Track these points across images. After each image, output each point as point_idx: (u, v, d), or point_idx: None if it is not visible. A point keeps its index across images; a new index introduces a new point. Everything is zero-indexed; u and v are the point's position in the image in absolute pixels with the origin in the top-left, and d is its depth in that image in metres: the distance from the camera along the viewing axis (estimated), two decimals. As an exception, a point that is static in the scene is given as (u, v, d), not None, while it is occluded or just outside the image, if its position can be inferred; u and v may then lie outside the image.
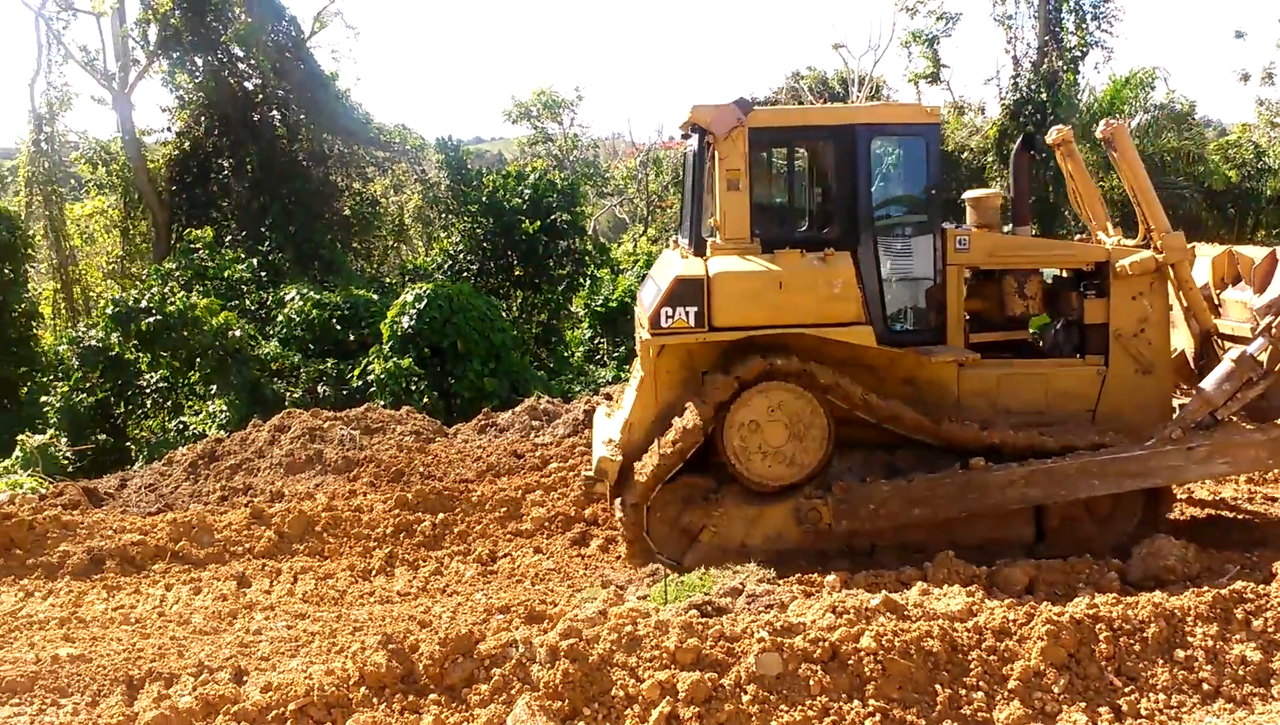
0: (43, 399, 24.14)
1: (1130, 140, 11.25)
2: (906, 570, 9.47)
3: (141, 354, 23.19)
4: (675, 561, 10.51)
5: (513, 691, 7.40)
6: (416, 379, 21.39)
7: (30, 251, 29.07)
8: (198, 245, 26.94)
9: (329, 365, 23.14)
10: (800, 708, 6.98)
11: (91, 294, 34.72)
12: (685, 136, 11.39)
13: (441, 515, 12.76)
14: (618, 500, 10.78)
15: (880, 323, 10.60)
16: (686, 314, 10.19)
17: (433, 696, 7.71)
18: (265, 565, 12.10)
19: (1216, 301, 11.20)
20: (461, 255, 29.67)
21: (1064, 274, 11.41)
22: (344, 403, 20.20)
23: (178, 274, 25.82)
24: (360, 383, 22.13)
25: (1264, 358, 10.11)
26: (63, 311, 34.06)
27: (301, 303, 24.66)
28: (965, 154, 33.53)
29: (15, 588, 11.75)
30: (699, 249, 10.70)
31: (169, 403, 23.63)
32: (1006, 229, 11.82)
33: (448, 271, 29.14)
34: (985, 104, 36.83)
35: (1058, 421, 10.76)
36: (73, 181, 38.15)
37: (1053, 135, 12.00)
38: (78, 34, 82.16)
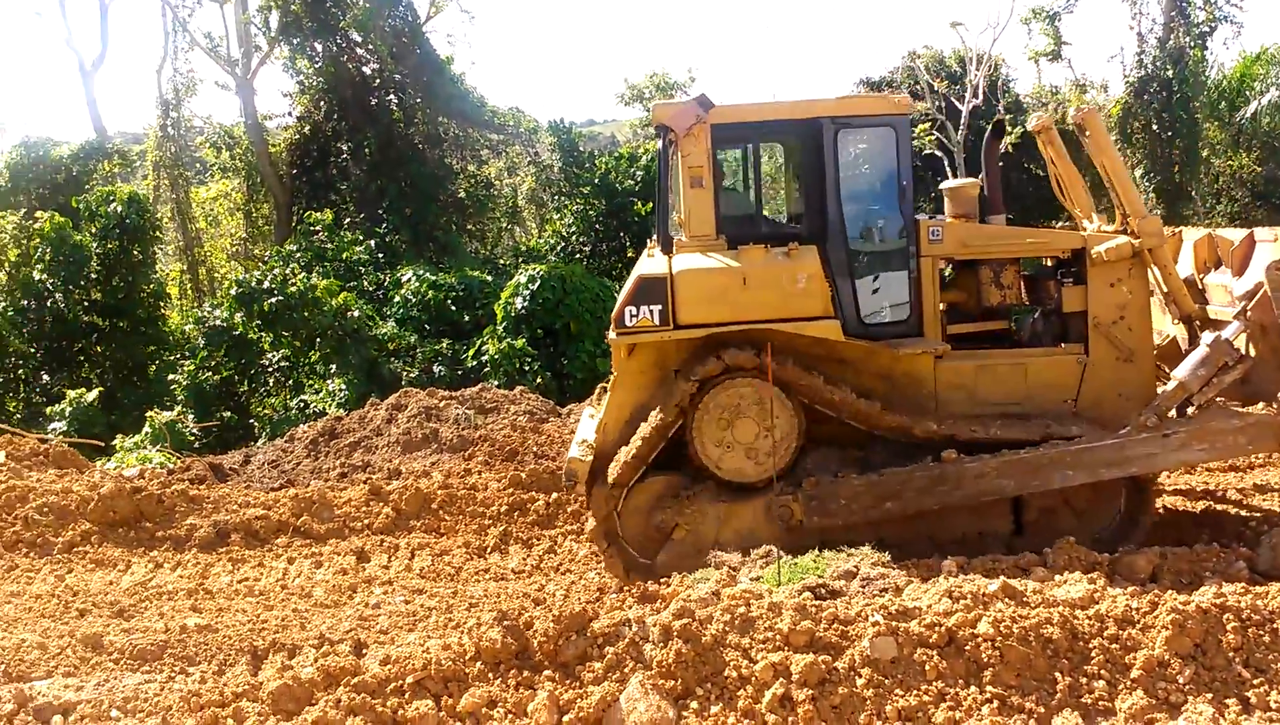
0: (170, 377, 24.79)
1: (1103, 124, 11.07)
2: (1026, 556, 9.28)
3: (264, 334, 23.75)
4: (648, 561, 10.40)
5: (626, 670, 7.41)
6: (530, 359, 21.58)
7: (158, 234, 29.84)
8: (317, 227, 27.46)
9: (444, 345, 23.45)
10: (915, 692, 6.90)
11: (216, 275, 35.61)
12: (656, 134, 11.13)
13: (555, 494, 12.87)
14: (591, 500, 10.64)
15: (852, 317, 10.40)
16: (651, 312, 10.02)
17: (547, 673, 7.76)
18: (383, 541, 12.35)
19: (1200, 287, 10.89)
20: (574, 237, 29.84)
21: (1048, 262, 11.16)
22: (459, 383, 20.45)
23: (298, 255, 26.35)
24: (475, 363, 22.40)
25: (1240, 342, 9.87)
26: (189, 292, 34.98)
27: (417, 284, 25.02)
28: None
29: (145, 559, 12.14)
30: (666, 247, 10.48)
31: (290, 381, 24.14)
32: (996, 218, 11.41)
33: (560, 253, 29.33)
34: (1108, 82, 35.93)
35: (1036, 412, 10.49)
36: (198, 165, 39.17)
37: (1032, 123, 11.69)
38: (202, 21, 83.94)
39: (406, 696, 7.88)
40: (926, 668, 7.03)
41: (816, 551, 9.32)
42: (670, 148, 10.44)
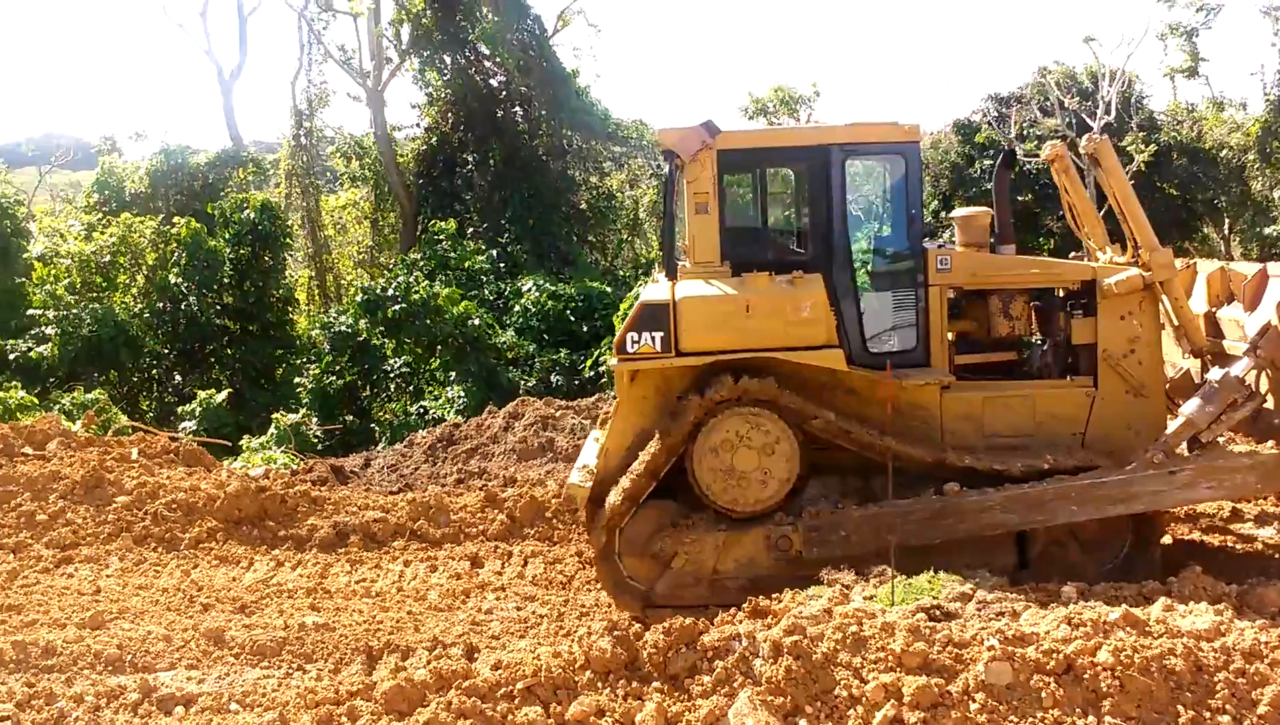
0: (296, 380, 25.38)
1: (1115, 155, 10.69)
2: (1149, 585, 9.02)
3: (387, 340, 24.18)
4: (647, 589, 10.26)
5: (735, 684, 7.37)
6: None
7: (288, 241, 30.56)
8: (441, 236, 27.88)
9: (562, 355, 23.62)
10: (1030, 720, 6.74)
11: (343, 282, 36.36)
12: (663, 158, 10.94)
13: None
14: (591, 526, 10.48)
15: (858, 346, 10.26)
16: (653, 339, 9.84)
17: (655, 684, 7.76)
18: (497, 547, 12.46)
19: (1214, 321, 10.61)
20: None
21: (1059, 293, 10.84)
22: (576, 393, 20.58)
23: (422, 264, 26.78)
24: (592, 374, 22.52)
25: (1249, 379, 9.64)
26: (316, 298, 35.77)
27: (537, 294, 25.27)
28: (1225, 152, 31.86)
29: (268, 557, 12.42)
30: (671, 272, 10.35)
31: (411, 387, 24.52)
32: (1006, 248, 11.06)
33: (680, 266, 29.32)
34: (1247, 100, 34.92)
35: (1044, 445, 10.22)
36: (328, 174, 40.05)
37: (1046, 151, 11.34)
38: (336, 34, 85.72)
39: (516, 702, 7.94)
40: (1043, 695, 6.86)
41: (932, 572, 9.18)
42: (676, 172, 10.32)
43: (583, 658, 8.20)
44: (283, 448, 18.86)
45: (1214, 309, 10.70)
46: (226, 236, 28.00)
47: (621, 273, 31.96)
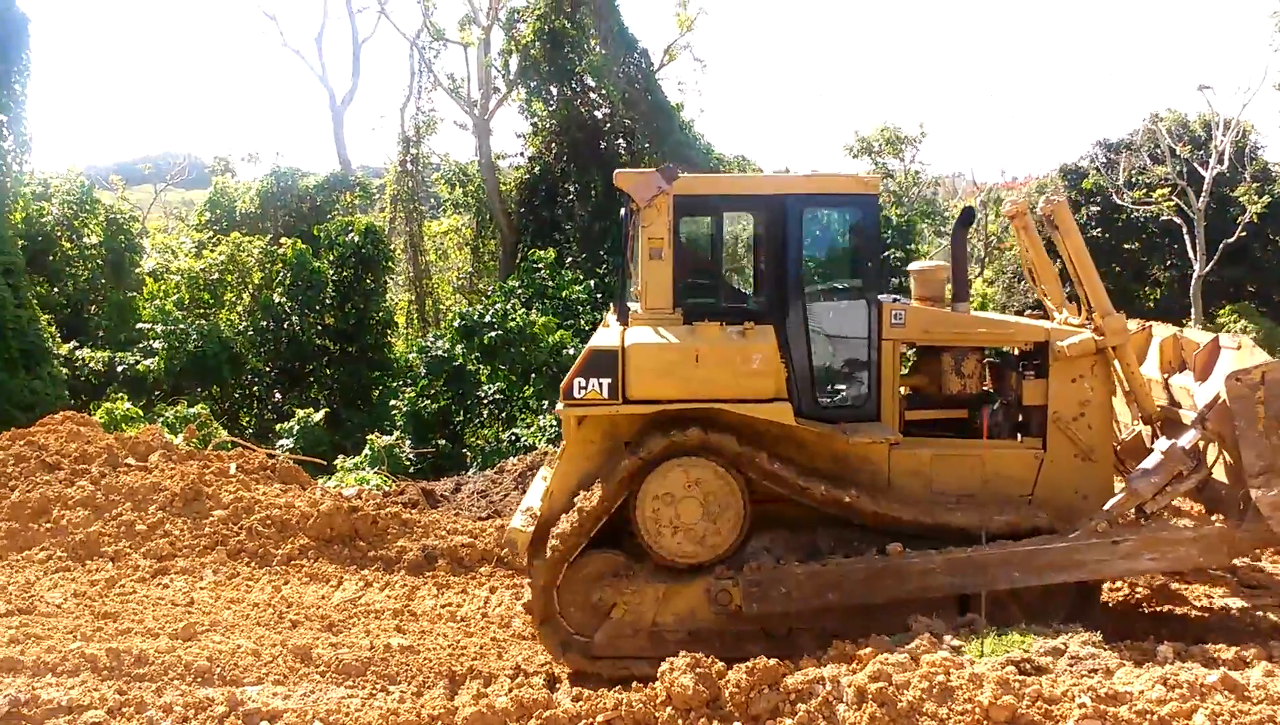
0: (392, 402, 25.65)
1: (1072, 218, 10.62)
2: (1250, 647, 8.75)
3: (482, 366, 24.39)
4: (586, 638, 10.08)
5: (817, 729, 7.29)
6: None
7: (390, 264, 31.04)
8: (540, 265, 28.10)
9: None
10: (1121, 782, 6.58)
11: (441, 307, 36.81)
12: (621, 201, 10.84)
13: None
14: (530, 571, 10.30)
15: (808, 398, 10.15)
16: (600, 386, 9.70)
17: (736, 724, 7.69)
18: (583, 578, 12.45)
19: (1165, 387, 10.54)
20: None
21: (1015, 352, 10.76)
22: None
23: (520, 291, 26.99)
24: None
25: (1196, 451, 9.58)
26: (415, 321, 36.25)
27: (635, 326, 25.27)
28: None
29: (356, 577, 12.56)
30: (623, 317, 10.13)
31: (503, 413, 24.67)
32: (961, 306, 10.92)
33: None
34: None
35: (991, 503, 10.10)
36: (432, 200, 40.63)
37: (1007, 208, 11.12)
38: (446, 63, 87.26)
39: None
40: (1135, 758, 6.68)
41: (1022, 625, 9.00)
42: (633, 216, 10.15)
43: (664, 694, 8.16)
44: (376, 469, 19.10)
45: (1166, 376, 10.63)
46: (331, 258, 28.54)
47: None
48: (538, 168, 34.24)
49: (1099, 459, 10.32)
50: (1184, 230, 29.53)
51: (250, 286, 29.90)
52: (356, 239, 28.39)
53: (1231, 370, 9.30)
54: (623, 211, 10.38)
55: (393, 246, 33.01)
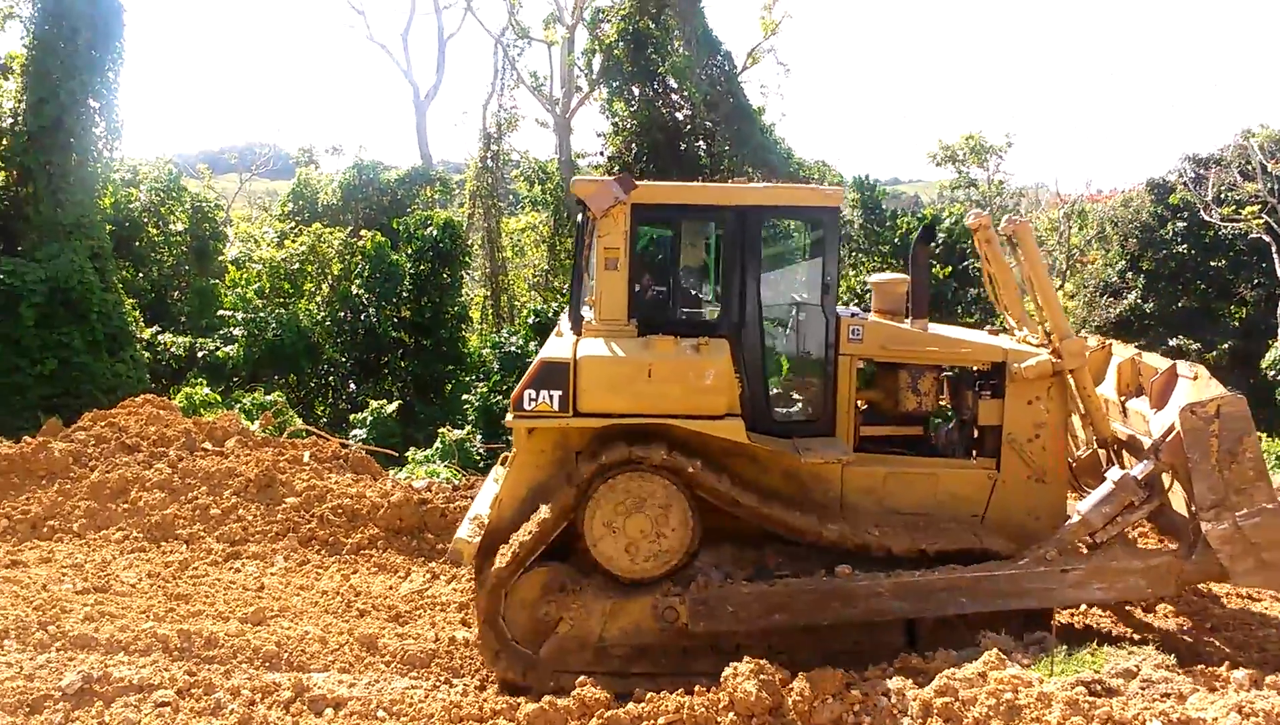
0: (464, 397, 25.79)
1: (1034, 239, 10.45)
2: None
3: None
4: (531, 652, 9.81)
5: (880, 742, 7.22)
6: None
7: (467, 259, 31.23)
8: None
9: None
10: (1192, 812, 6.43)
11: (516, 303, 36.99)
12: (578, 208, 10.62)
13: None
14: (477, 582, 10.08)
15: (763, 413, 9.97)
16: (550, 398, 9.50)
17: (800, 733, 7.64)
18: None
19: (1122, 410, 10.44)
20: (869, 295, 29.47)
21: (976, 370, 10.56)
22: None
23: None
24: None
25: (1148, 482, 9.41)
26: (489, 317, 36.45)
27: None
28: None
29: (424, 569, 12.64)
30: (577, 327, 10.01)
31: (575, 412, 24.65)
32: (920, 323, 10.61)
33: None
34: None
35: (938, 524, 9.95)
36: (511, 197, 40.83)
37: (970, 220, 10.75)
38: (529, 61, 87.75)
39: None
40: (1208, 786, 6.53)
41: (1095, 645, 8.83)
42: (588, 225, 9.99)
43: (727, 699, 8.13)
44: (446, 462, 19.21)
45: (1123, 398, 10.49)
46: (409, 252, 28.77)
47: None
48: (617, 167, 34.27)
49: (1052, 481, 10.20)
50: (1273, 248, 28.89)
51: (329, 277, 30.23)
52: (435, 233, 28.60)
53: (1187, 402, 9.13)
54: (580, 218, 10.26)
55: (470, 242, 33.21)
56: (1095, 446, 10.48)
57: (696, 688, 8.37)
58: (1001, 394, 10.20)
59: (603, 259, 9.79)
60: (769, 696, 7.95)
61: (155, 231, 32.99)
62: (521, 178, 38.58)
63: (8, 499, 13.61)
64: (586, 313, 10.04)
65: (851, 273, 31.58)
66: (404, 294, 28.57)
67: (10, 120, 26.98)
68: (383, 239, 28.81)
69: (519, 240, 38.02)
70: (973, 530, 9.92)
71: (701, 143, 33.70)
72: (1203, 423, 8.88)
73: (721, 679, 8.29)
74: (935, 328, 10.75)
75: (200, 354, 28.04)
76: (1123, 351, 11.04)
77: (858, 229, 31.82)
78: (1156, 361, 10.41)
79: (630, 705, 8.28)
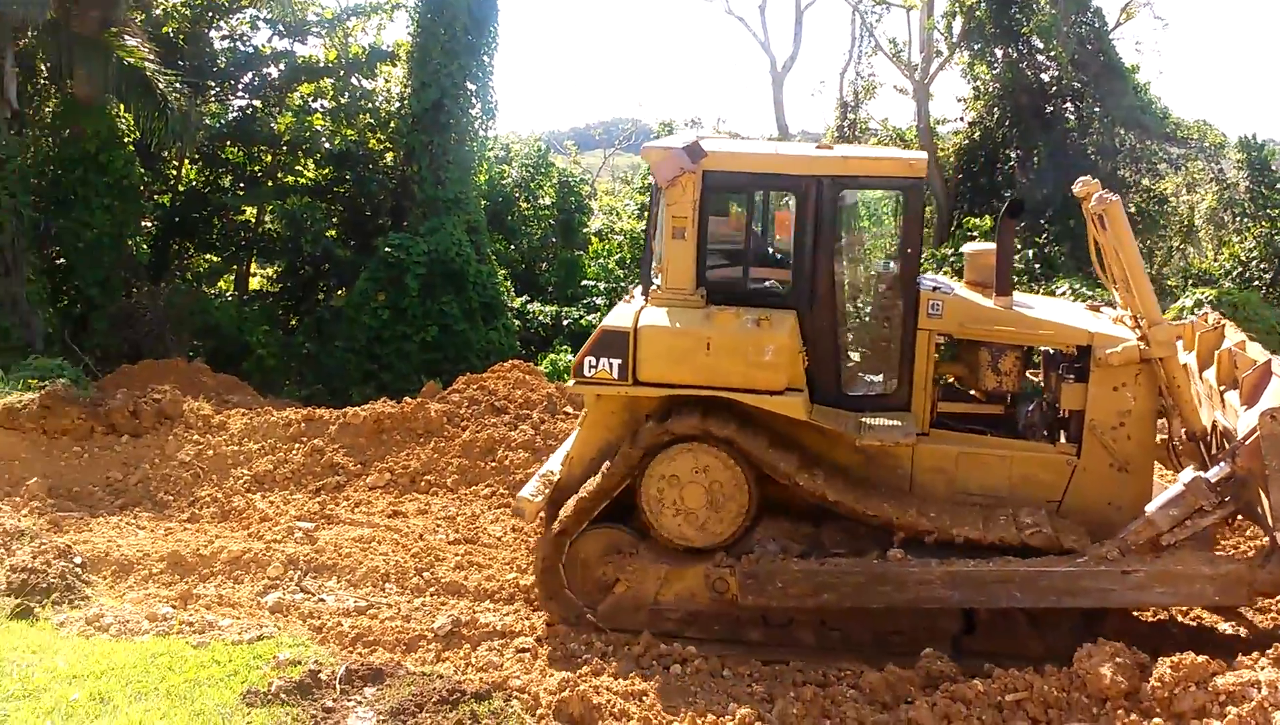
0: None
1: (1124, 217, 9.50)
2: None
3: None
4: (590, 609, 10.07)
5: (1247, 736, 6.78)
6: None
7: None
8: (975, 233, 27.40)
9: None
10: None
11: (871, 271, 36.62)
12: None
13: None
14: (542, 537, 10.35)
15: (833, 387, 9.92)
16: (610, 365, 9.59)
17: (1157, 719, 7.32)
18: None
19: (1221, 400, 9.44)
20: (1254, 262, 27.42)
21: (1061, 352, 10.13)
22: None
23: (952, 259, 26.45)
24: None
25: (1223, 484, 8.82)
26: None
27: (1073, 298, 24.14)
28: None
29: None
30: (647, 294, 10.05)
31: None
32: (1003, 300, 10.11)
33: (1236, 278, 27.11)
34: None
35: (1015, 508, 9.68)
36: (868, 165, 40.39)
37: (1077, 187, 9.62)
38: (888, 27, 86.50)
39: (1003, 714, 7.79)
40: None
41: None
42: (658, 192, 9.70)
43: (1080, 681, 7.89)
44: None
45: (1222, 388, 9.55)
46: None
47: (1169, 282, 29.97)
48: (978, 133, 33.28)
49: (1136, 471, 9.76)
50: None
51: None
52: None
53: (1271, 405, 8.42)
54: (651, 184, 10.06)
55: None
56: (1186, 439, 9.79)
57: (1048, 668, 8.16)
58: (1086, 378, 9.64)
59: (670, 227, 9.77)
60: (1125, 681, 7.68)
61: (525, 206, 34.68)
62: (878, 145, 38.12)
63: (390, 455, 14.71)
64: (656, 281, 10.04)
65: (1235, 240, 29.50)
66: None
67: (398, 104, 29.06)
68: (739, 210, 29.17)
69: (876, 208, 37.61)
70: (1044, 522, 9.49)
71: (1069, 104, 32.19)
72: None
73: (1074, 660, 8.06)
74: (1028, 303, 10.38)
75: (565, 322, 29.30)
76: (1234, 335, 10.07)
77: (1243, 192, 29.62)
78: (1257, 352, 9.46)
79: (976, 681, 8.16)
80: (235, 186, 29.73)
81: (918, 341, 9.98)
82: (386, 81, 30.62)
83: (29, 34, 22.56)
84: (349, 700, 7.31)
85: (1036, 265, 27.58)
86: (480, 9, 27.84)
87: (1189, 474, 9.17)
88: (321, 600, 10.73)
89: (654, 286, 10.10)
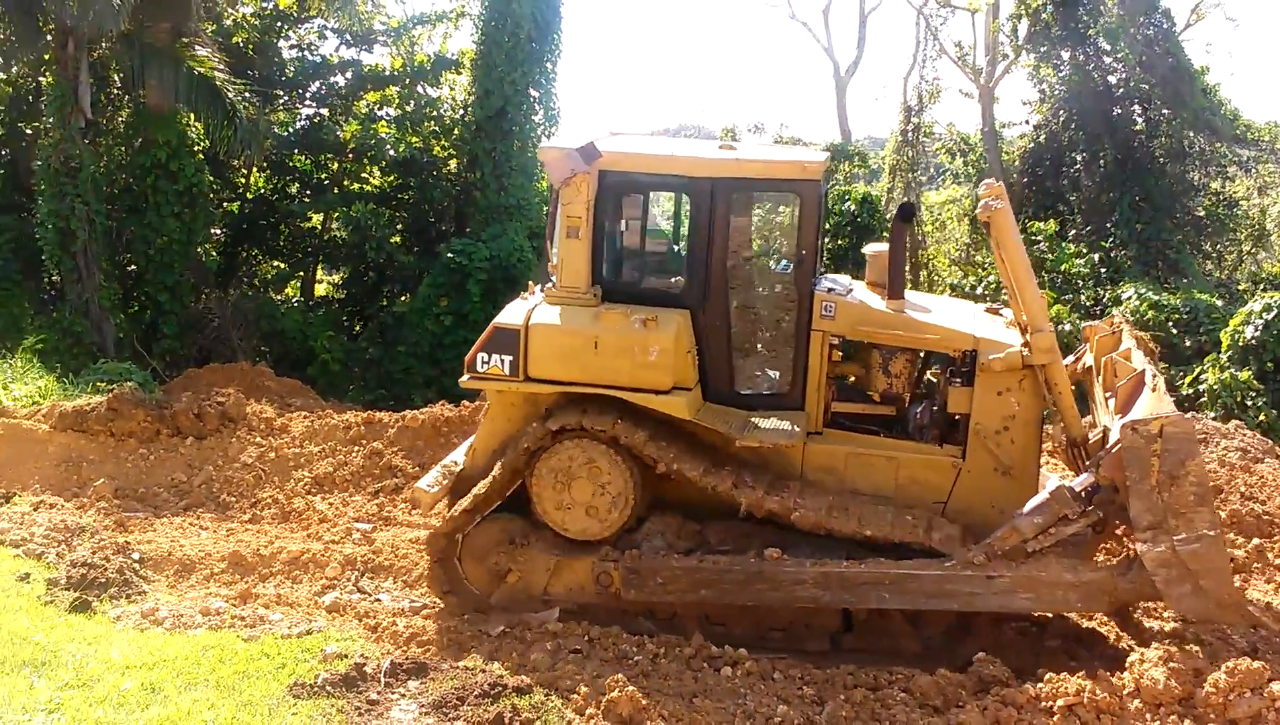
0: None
1: (1010, 225, 9.53)
2: None
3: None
4: (483, 597, 10.33)
5: (1302, 743, 6.68)
6: (1254, 394, 19.83)
7: (885, 234, 30.89)
8: (1040, 237, 27.10)
9: (1160, 369, 22.20)
10: None
11: (936, 277, 36.35)
12: None
13: (1256, 541, 11.74)
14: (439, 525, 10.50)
15: (725, 386, 10.07)
16: (502, 362, 9.81)
17: (1211, 726, 7.21)
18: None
19: (1107, 407, 9.75)
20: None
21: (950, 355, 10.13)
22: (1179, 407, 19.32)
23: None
24: (1190, 391, 21.02)
25: (1088, 493, 9.04)
26: (923, 292, 35.92)
27: (1138, 303, 23.90)
28: None
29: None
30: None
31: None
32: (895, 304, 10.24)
33: (1309, 283, 26.66)
34: None
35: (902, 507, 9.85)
36: (931, 170, 40.15)
37: (983, 190, 9.66)
38: (952, 30, 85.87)
39: (1055, 719, 7.76)
40: None
41: None
42: (553, 191, 9.82)
43: (1132, 685, 7.83)
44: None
45: (1106, 395, 9.94)
46: (827, 227, 28.86)
47: (1240, 287, 29.49)
48: (1043, 136, 32.94)
49: (1019, 476, 9.86)
50: None
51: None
52: (853, 208, 28.59)
53: (1134, 418, 8.62)
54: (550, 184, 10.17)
55: (888, 216, 32.94)
56: (1068, 446, 10.01)
57: (1099, 672, 8.10)
58: (972, 383, 9.72)
59: (565, 227, 9.91)
60: (1179, 686, 7.61)
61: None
62: (943, 150, 37.86)
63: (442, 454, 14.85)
64: (553, 279, 10.22)
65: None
66: (822, 270, 28.72)
67: (462, 111, 29.32)
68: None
69: (940, 214, 37.29)
70: (922, 523, 9.71)
71: (1136, 107, 31.78)
72: (1144, 441, 8.45)
73: (1127, 664, 8.00)
74: (924, 305, 10.51)
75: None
76: (1128, 341, 10.23)
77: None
78: (1139, 362, 9.61)
79: (1028, 685, 8.12)
80: (302, 194, 30.15)
81: (811, 342, 10.10)
82: (451, 89, 30.90)
83: (103, 45, 23.03)
84: (392, 693, 7.42)
85: (1102, 270, 27.23)
86: (544, 16, 28.03)
87: (1054, 482, 9.46)
88: (377, 600, 10.89)
89: (548, 285, 10.29)
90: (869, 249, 11.17)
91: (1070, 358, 11.27)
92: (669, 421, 9.89)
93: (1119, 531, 9.99)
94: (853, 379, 10.73)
